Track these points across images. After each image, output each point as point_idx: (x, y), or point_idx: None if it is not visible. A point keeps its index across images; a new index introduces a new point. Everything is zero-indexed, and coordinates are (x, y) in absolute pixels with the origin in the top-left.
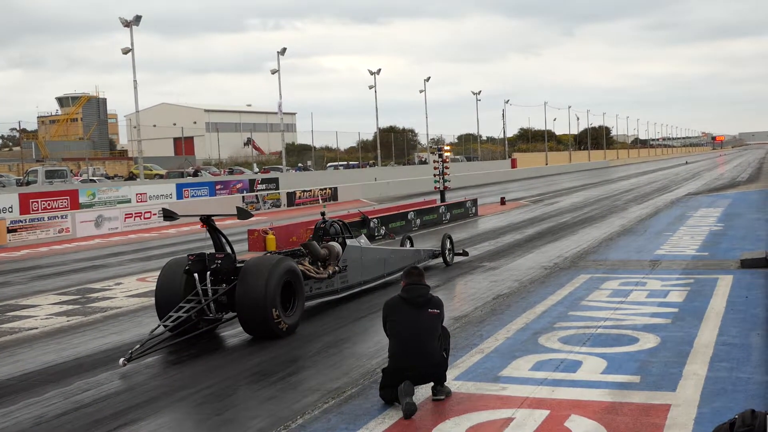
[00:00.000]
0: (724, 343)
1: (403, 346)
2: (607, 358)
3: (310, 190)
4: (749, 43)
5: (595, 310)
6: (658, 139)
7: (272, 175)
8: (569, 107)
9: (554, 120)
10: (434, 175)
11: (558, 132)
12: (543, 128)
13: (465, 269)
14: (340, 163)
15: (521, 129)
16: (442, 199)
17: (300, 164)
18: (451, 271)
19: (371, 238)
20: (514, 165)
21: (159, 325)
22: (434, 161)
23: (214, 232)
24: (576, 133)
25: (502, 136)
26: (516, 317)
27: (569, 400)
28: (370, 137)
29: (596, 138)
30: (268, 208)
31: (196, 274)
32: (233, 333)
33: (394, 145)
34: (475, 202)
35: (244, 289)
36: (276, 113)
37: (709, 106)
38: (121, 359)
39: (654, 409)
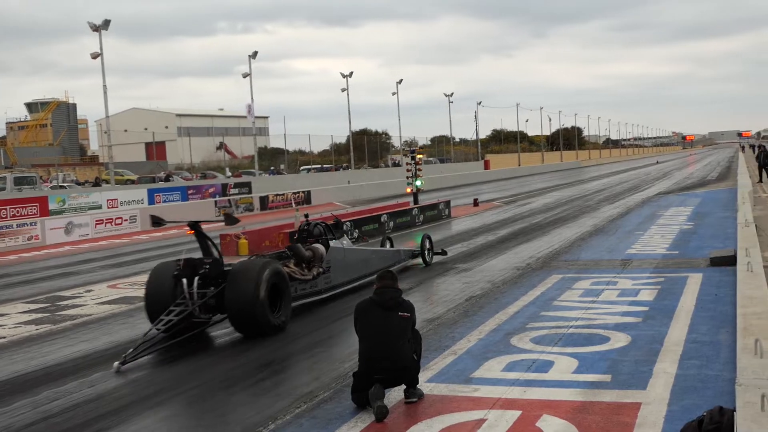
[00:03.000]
0: (693, 341)
1: (373, 349)
2: (579, 358)
3: (283, 194)
4: (718, 43)
5: (566, 310)
6: (629, 139)
7: (245, 179)
8: (541, 108)
9: (527, 121)
10: (407, 178)
11: (530, 133)
12: (516, 129)
13: (438, 271)
14: (314, 166)
15: (494, 130)
16: (416, 202)
17: (273, 168)
18: (425, 273)
19: None
20: (487, 166)
21: (151, 329)
22: (407, 164)
23: (202, 238)
24: (548, 134)
25: (475, 137)
26: (488, 318)
27: (541, 400)
28: (343, 140)
29: (568, 139)
30: (241, 212)
31: (184, 279)
32: (205, 338)
33: (367, 148)
34: (448, 203)
35: (233, 291)
36: (246, 117)
37: (680, 106)
38: (116, 363)
39: (625, 407)
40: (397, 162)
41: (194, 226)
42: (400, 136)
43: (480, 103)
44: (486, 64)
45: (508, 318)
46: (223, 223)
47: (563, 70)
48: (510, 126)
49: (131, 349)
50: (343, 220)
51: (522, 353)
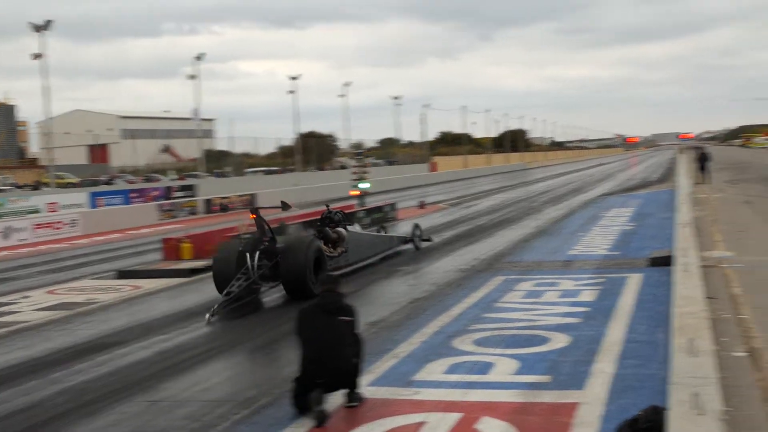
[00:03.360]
0: (632, 341)
1: (314, 354)
2: (520, 359)
3: (228, 197)
4: (660, 47)
5: (509, 312)
6: (573, 141)
7: (189, 182)
8: (488, 111)
9: (473, 123)
10: (353, 180)
11: (477, 135)
12: (462, 132)
13: (382, 274)
14: (260, 168)
15: (441, 133)
16: (362, 204)
17: (218, 170)
18: (369, 275)
19: None
20: (434, 168)
21: (226, 292)
22: (353, 166)
23: (261, 221)
24: (495, 136)
25: (421, 139)
26: (431, 321)
27: (481, 402)
28: (291, 142)
29: (514, 141)
30: (185, 216)
31: (248, 253)
32: (130, 349)
33: (314, 150)
34: (394, 206)
35: (287, 263)
36: (193, 119)
37: (623, 108)
38: (207, 314)
39: (563, 407)
40: (344, 164)
41: (255, 211)
42: (348, 139)
43: (427, 105)
44: (434, 66)
45: (451, 320)
46: (280, 209)
47: (510, 72)
48: (457, 128)
49: (216, 306)
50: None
51: (464, 355)
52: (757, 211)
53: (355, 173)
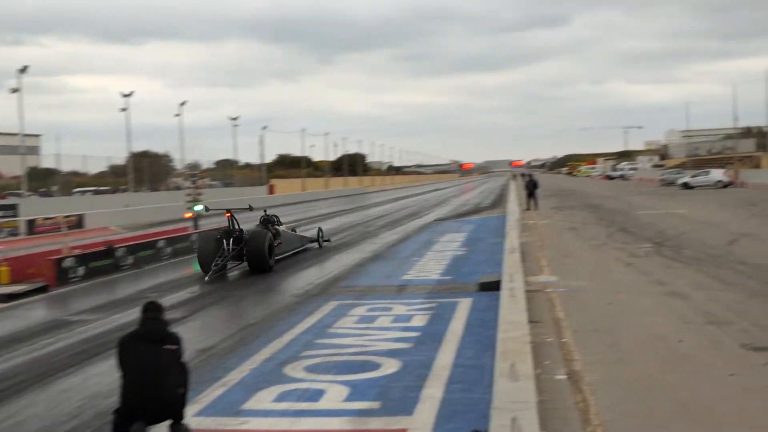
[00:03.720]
0: (460, 365)
1: (136, 385)
2: (350, 385)
3: (54, 218)
4: (494, 76)
5: (342, 337)
6: (411, 166)
7: (11, 201)
8: (326, 134)
9: (312, 146)
10: (187, 201)
11: (316, 158)
12: (301, 155)
13: (214, 298)
14: (89, 188)
15: (280, 155)
16: (195, 227)
17: (43, 189)
18: (200, 301)
19: (118, 268)
20: (272, 191)
21: (212, 270)
22: (187, 187)
23: (233, 219)
24: (333, 159)
25: (260, 161)
26: (263, 347)
27: (310, 430)
28: (122, 161)
29: (353, 165)
30: (5, 237)
31: (224, 240)
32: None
33: (148, 171)
34: None
35: (251, 248)
36: (17, 134)
37: (459, 135)
38: (206, 278)
39: None
40: (179, 185)
41: (230, 211)
42: (183, 159)
43: (265, 127)
44: (273, 88)
45: (283, 346)
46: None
47: (349, 96)
48: (296, 151)
49: (210, 273)
50: (115, 246)
51: (295, 383)
52: (581, 237)
53: (189, 195)
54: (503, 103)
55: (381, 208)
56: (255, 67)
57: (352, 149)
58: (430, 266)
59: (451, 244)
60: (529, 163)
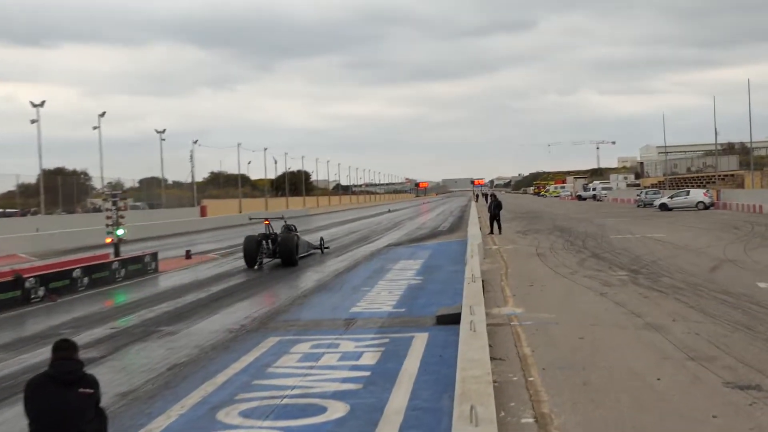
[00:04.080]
0: (415, 408)
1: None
2: None
3: None
4: (452, 86)
5: (282, 378)
6: (361, 185)
7: None
8: (265, 149)
9: (249, 163)
10: (107, 225)
11: (254, 176)
12: (237, 172)
13: (137, 335)
14: None
15: (212, 173)
16: (117, 254)
17: None
18: (121, 338)
19: (27, 300)
20: (203, 213)
21: (254, 265)
22: (107, 209)
23: (270, 226)
24: (273, 177)
25: (190, 180)
26: (193, 390)
27: None
28: (33, 180)
29: (295, 183)
30: None
31: (263, 241)
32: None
33: (62, 190)
34: (155, 256)
35: (283, 247)
36: None
37: (414, 150)
38: (255, 266)
39: None
40: (98, 207)
41: (268, 219)
42: (102, 177)
43: (197, 141)
44: (205, 97)
45: (216, 389)
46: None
47: (291, 107)
48: (231, 168)
49: (260, 262)
50: (24, 276)
51: (228, 429)
52: (549, 264)
53: (109, 218)
54: (463, 116)
55: (327, 232)
56: (185, 74)
57: (295, 166)
58: (382, 297)
59: (405, 273)
60: (492, 182)
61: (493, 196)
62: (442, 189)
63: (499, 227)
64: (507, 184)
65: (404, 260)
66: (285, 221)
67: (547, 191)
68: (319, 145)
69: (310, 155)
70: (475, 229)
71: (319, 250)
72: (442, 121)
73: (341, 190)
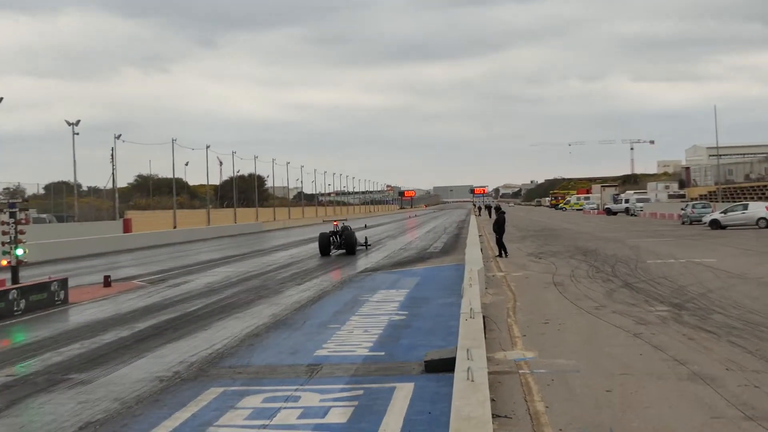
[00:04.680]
0: None
1: None
2: None
3: None
4: (446, 68)
5: None
6: (329, 194)
7: None
8: (208, 147)
9: (186, 164)
10: (2, 244)
11: (193, 181)
12: (171, 176)
13: (41, 385)
14: None
15: (139, 177)
16: (15, 280)
17: None
18: (19, 390)
19: None
20: (128, 228)
21: (327, 254)
22: (2, 223)
23: (339, 224)
24: (218, 183)
25: (111, 186)
26: None
27: None
28: None
29: (246, 191)
30: None
31: (335, 234)
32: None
33: None
34: (65, 283)
35: (347, 240)
36: None
37: (397, 150)
38: (330, 254)
39: None
40: None
41: (338, 221)
42: None
43: (119, 136)
44: (131, 80)
45: None
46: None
47: (240, 94)
48: (163, 170)
49: (333, 249)
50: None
51: None
52: (569, 295)
53: (5, 233)
54: (460, 106)
55: (286, 253)
56: (105, 50)
57: (246, 169)
58: (356, 337)
59: (385, 306)
60: (496, 190)
61: (498, 208)
62: (434, 199)
63: (505, 248)
64: (516, 194)
65: (384, 290)
66: (345, 221)
67: (566, 203)
68: (277, 142)
69: (265, 155)
70: (475, 251)
71: (364, 247)
72: (433, 112)
73: (305, 199)
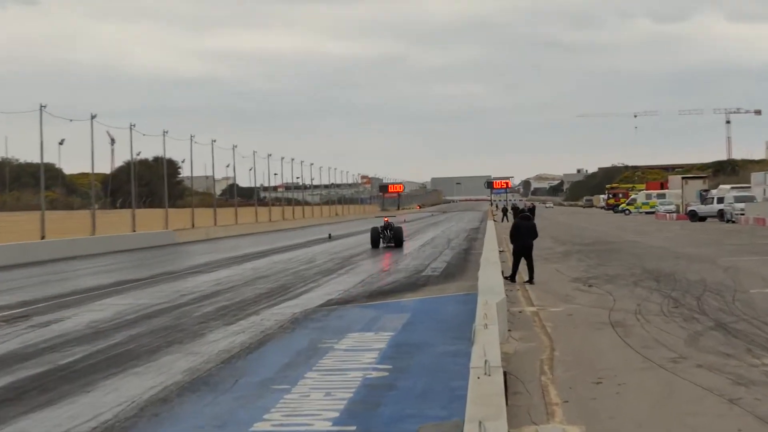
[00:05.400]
0: None
1: None
2: None
3: None
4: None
5: None
6: (277, 188)
7: None
8: (94, 117)
9: (61, 143)
10: None
11: (70, 170)
12: (39, 161)
13: None
14: None
15: None
16: None
17: None
18: None
19: None
20: None
21: (378, 246)
22: None
23: (389, 221)
24: (109, 172)
25: None
26: None
27: None
28: None
29: (151, 183)
30: None
31: (384, 229)
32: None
33: None
34: None
35: (396, 234)
36: None
37: (378, 124)
38: (379, 246)
39: None
40: None
41: (387, 218)
42: None
43: None
44: None
45: None
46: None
47: (143, 37)
48: (28, 153)
49: (382, 242)
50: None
51: None
52: (632, 340)
53: None
54: (473, 57)
55: (210, 276)
56: None
57: (150, 151)
58: (314, 403)
59: (358, 357)
60: (527, 183)
61: (529, 210)
62: (432, 197)
63: (531, 271)
64: (556, 189)
65: (357, 332)
66: (386, 219)
67: (631, 203)
68: (198, 110)
69: (179, 130)
70: (493, 275)
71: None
72: (432, 67)
73: (239, 196)
